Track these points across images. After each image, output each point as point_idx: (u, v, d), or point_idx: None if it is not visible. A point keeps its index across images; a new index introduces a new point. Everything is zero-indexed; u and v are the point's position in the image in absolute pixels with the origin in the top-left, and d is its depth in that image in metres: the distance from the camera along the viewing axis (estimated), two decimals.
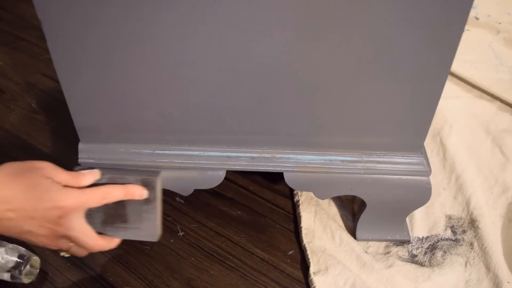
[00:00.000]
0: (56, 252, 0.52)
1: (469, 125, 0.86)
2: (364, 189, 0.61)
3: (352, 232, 0.68)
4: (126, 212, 0.52)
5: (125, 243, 0.67)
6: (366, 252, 0.66)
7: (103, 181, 0.51)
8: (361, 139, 0.57)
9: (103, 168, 0.53)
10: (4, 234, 0.47)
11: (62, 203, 0.46)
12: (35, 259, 0.63)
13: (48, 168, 0.48)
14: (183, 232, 0.70)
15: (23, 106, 0.93)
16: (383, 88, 0.52)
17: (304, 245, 0.66)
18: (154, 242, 0.60)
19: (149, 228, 0.54)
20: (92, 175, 0.50)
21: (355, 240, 0.68)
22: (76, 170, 0.52)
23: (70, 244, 0.50)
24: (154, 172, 0.54)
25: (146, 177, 0.52)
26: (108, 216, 0.53)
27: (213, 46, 0.48)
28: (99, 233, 0.53)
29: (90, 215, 0.51)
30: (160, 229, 0.56)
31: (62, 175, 0.48)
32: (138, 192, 0.51)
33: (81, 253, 0.52)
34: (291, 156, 0.59)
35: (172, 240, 0.68)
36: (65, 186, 0.48)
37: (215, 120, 0.56)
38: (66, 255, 0.52)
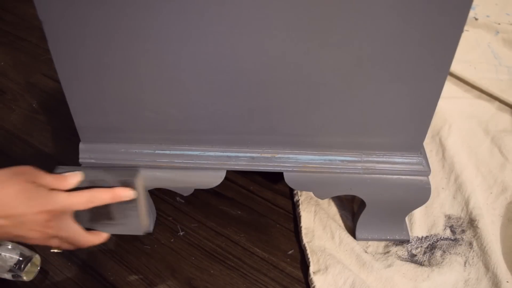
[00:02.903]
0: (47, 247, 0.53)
1: (468, 125, 0.86)
2: (363, 189, 0.61)
3: (352, 232, 0.69)
4: (110, 210, 0.54)
5: (125, 242, 0.68)
6: (366, 252, 0.66)
7: (85, 184, 0.52)
8: (361, 139, 0.58)
9: (83, 168, 0.53)
10: None
11: (50, 207, 0.47)
12: (36, 258, 0.64)
13: (32, 173, 0.48)
14: (183, 232, 0.70)
15: (24, 106, 0.93)
16: (383, 88, 0.52)
17: (304, 244, 0.67)
18: (142, 236, 0.62)
19: (134, 223, 0.56)
20: (76, 177, 0.51)
21: (354, 240, 0.68)
22: (58, 172, 0.52)
23: (61, 242, 0.51)
24: (133, 170, 0.55)
25: (126, 179, 0.53)
26: (94, 214, 0.54)
27: (213, 46, 0.49)
28: (88, 229, 0.54)
29: (78, 214, 0.52)
30: (146, 222, 0.57)
31: (46, 178, 0.49)
32: (124, 194, 0.52)
33: (73, 248, 0.53)
34: (291, 156, 0.59)
35: (172, 240, 0.69)
36: (51, 189, 0.48)
37: (215, 120, 0.56)
38: (58, 251, 0.54)
